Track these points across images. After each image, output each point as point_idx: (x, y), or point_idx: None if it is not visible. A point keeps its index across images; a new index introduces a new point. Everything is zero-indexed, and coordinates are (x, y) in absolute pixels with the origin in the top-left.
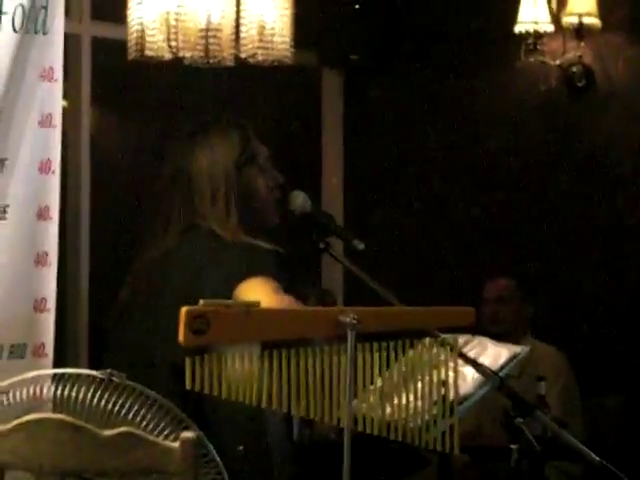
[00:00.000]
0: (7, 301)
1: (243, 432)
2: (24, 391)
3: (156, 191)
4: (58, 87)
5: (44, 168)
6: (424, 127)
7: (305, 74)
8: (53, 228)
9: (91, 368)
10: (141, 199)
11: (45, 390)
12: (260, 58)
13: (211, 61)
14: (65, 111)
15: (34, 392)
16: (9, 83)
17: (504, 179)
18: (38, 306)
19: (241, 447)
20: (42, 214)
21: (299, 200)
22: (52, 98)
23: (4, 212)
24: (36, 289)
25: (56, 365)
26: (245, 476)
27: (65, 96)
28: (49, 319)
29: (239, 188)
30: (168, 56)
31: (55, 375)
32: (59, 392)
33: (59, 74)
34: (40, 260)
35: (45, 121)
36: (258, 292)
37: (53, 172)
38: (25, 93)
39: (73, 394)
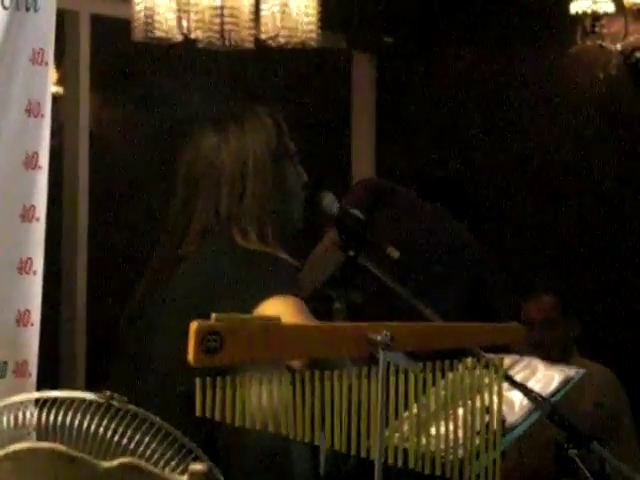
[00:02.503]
0: None
1: (264, 467)
2: (9, 417)
3: (169, 189)
4: (48, 71)
5: (30, 163)
6: (465, 117)
7: (333, 58)
8: (39, 231)
9: (90, 391)
10: (147, 198)
11: (28, 415)
12: (282, 40)
13: (227, 43)
14: (61, 99)
15: (20, 418)
16: None
17: (554, 176)
18: (21, 319)
19: None
20: (26, 215)
21: (326, 201)
22: (41, 84)
23: None
24: (19, 300)
25: (49, 387)
26: None
27: (61, 82)
28: (33, 334)
29: (269, 188)
30: (179, 37)
31: (42, 399)
32: (48, 418)
33: (50, 57)
34: (24, 267)
35: (32, 110)
36: (282, 313)
37: (40, 167)
38: (11, 78)
39: (66, 420)
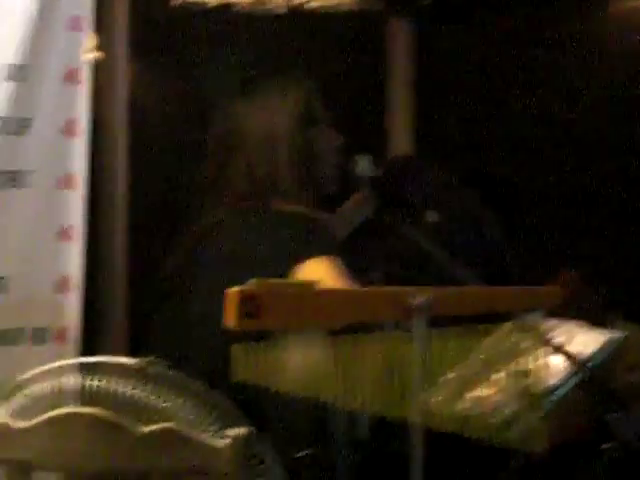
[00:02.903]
0: (26, 280)
1: (304, 431)
2: (50, 382)
3: (205, 156)
4: (85, 37)
5: (68, 130)
6: (506, 84)
7: (368, 23)
8: (78, 198)
9: (129, 357)
10: (186, 165)
11: (69, 381)
12: (315, 4)
13: (261, 7)
14: (99, 65)
15: (60, 383)
16: (34, 35)
17: (594, 144)
18: (61, 285)
19: (304, 452)
20: (65, 182)
21: (363, 165)
22: (78, 50)
23: (27, 180)
24: (59, 266)
25: (89, 353)
26: None
27: (99, 48)
28: (74, 300)
29: (300, 152)
30: (214, 2)
31: (84, 364)
32: (89, 384)
33: (87, 23)
34: (63, 234)
35: (70, 76)
36: (321, 275)
37: (79, 134)
38: (50, 46)
39: (105, 386)
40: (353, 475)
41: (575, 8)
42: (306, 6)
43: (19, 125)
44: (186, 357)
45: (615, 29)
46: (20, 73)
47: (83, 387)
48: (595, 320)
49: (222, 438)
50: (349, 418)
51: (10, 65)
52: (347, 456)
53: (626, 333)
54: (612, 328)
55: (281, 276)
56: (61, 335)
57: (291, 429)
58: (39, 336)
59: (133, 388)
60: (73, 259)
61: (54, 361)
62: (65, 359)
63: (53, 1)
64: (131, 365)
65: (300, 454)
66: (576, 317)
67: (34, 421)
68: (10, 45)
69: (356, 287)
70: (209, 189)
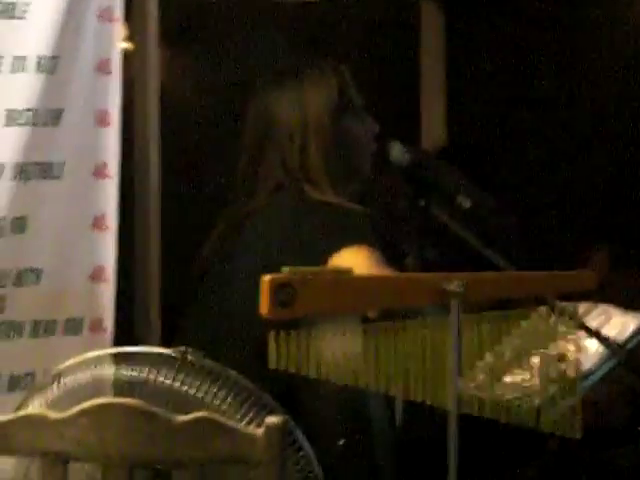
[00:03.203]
0: (61, 270)
1: (343, 421)
2: (85, 373)
3: (238, 145)
4: (117, 28)
5: (101, 120)
6: (539, 69)
7: (401, 8)
8: (111, 187)
9: (164, 346)
10: (220, 154)
11: (104, 371)
12: None
13: None
14: (130, 55)
15: (97, 374)
16: (64, 26)
17: (625, 128)
18: (96, 275)
19: (342, 441)
20: (99, 172)
21: (395, 151)
22: (110, 40)
23: (60, 170)
24: (93, 256)
25: (124, 343)
26: (345, 473)
27: (130, 38)
28: (108, 290)
29: (335, 140)
30: None
31: (119, 354)
32: (124, 374)
33: (119, 13)
34: (97, 224)
35: (102, 67)
36: (357, 264)
37: (111, 124)
38: (81, 37)
39: (141, 376)
40: (390, 463)
41: None
42: None
43: (51, 116)
44: (221, 345)
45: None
46: (51, 64)
47: (118, 377)
48: (625, 302)
49: (258, 427)
50: (385, 405)
51: (41, 57)
52: (383, 443)
53: None
54: None
55: (317, 264)
56: (96, 325)
57: (327, 417)
58: (75, 326)
59: (168, 378)
60: (107, 249)
61: (89, 351)
62: (100, 349)
63: None
64: (166, 355)
65: (338, 443)
66: (604, 299)
67: (69, 412)
68: (41, 37)
69: (391, 273)
70: (244, 178)
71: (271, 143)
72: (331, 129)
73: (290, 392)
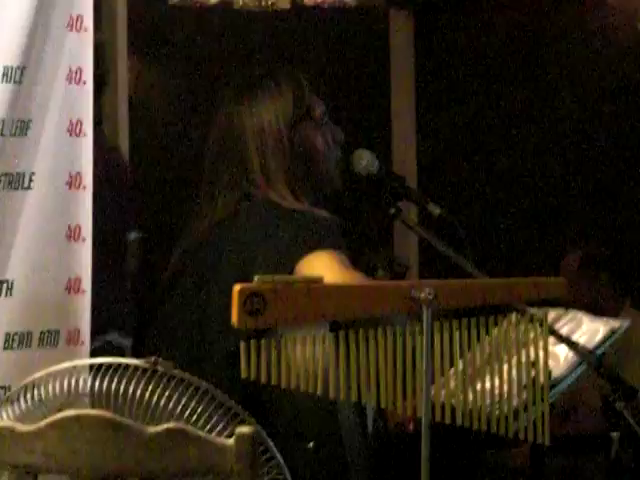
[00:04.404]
0: (36, 281)
1: (312, 427)
2: (57, 384)
3: (204, 157)
4: (88, 38)
5: (74, 130)
6: (505, 74)
7: (370, 16)
8: (86, 198)
9: (136, 357)
10: (187, 165)
11: (81, 383)
12: None
13: (264, 4)
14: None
15: (69, 385)
16: (33, 35)
17: (596, 131)
18: (71, 287)
19: (311, 444)
20: (73, 182)
21: (365, 160)
22: (81, 50)
23: (30, 181)
24: (69, 268)
25: (96, 354)
26: (317, 476)
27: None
28: (84, 301)
29: (295, 149)
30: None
31: (92, 366)
32: (97, 385)
33: (89, 23)
34: (72, 234)
35: (74, 77)
36: (323, 268)
37: (85, 134)
38: (51, 46)
39: (113, 387)
40: (361, 469)
41: None
42: (309, 1)
43: (19, 127)
44: (192, 356)
45: (617, 18)
46: (19, 75)
47: (91, 388)
48: (596, 306)
49: (229, 437)
50: (356, 412)
51: (8, 67)
52: (354, 449)
53: (629, 321)
54: (622, 316)
55: (289, 271)
56: (73, 337)
57: (298, 424)
58: (50, 339)
59: (139, 389)
60: (83, 260)
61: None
62: (74, 360)
63: (50, 3)
64: (137, 365)
65: (308, 447)
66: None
67: (39, 424)
68: (8, 47)
69: (360, 278)
70: (207, 189)
71: (233, 154)
72: (286, 139)
73: (262, 400)
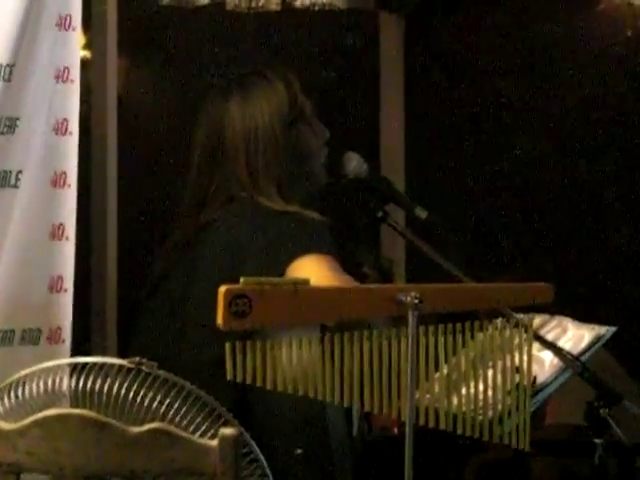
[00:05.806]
0: (18, 279)
1: (301, 431)
2: (40, 383)
3: (192, 157)
4: (76, 37)
5: (60, 129)
6: (495, 79)
7: (360, 19)
8: (70, 197)
9: (121, 357)
10: (176, 165)
11: (63, 382)
12: (308, 2)
13: (254, 5)
14: (89, 64)
15: (53, 384)
16: (21, 34)
17: (584, 139)
18: (54, 285)
19: (300, 450)
20: (58, 181)
21: (353, 163)
22: (69, 49)
23: (17, 179)
24: (51, 266)
25: (79, 354)
26: None
27: (88, 47)
28: (66, 300)
29: (289, 149)
30: (206, 0)
31: (75, 365)
32: (79, 384)
33: (77, 22)
34: (55, 233)
35: (61, 75)
36: (313, 272)
37: (70, 133)
38: (39, 45)
39: (96, 386)
40: (346, 472)
41: (567, 3)
42: (299, 4)
43: (7, 125)
44: (176, 356)
45: (607, 25)
46: (7, 72)
47: (74, 387)
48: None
49: (213, 438)
50: (341, 415)
51: None
52: (340, 453)
53: (615, 327)
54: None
55: (278, 273)
56: (54, 336)
57: (284, 427)
58: (32, 337)
59: (122, 388)
60: (66, 258)
61: (47, 362)
62: (58, 360)
63: (41, 1)
64: (121, 365)
65: (297, 454)
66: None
67: (22, 423)
68: None
69: (350, 283)
70: (194, 191)
71: (221, 155)
72: (281, 139)
73: (246, 403)
